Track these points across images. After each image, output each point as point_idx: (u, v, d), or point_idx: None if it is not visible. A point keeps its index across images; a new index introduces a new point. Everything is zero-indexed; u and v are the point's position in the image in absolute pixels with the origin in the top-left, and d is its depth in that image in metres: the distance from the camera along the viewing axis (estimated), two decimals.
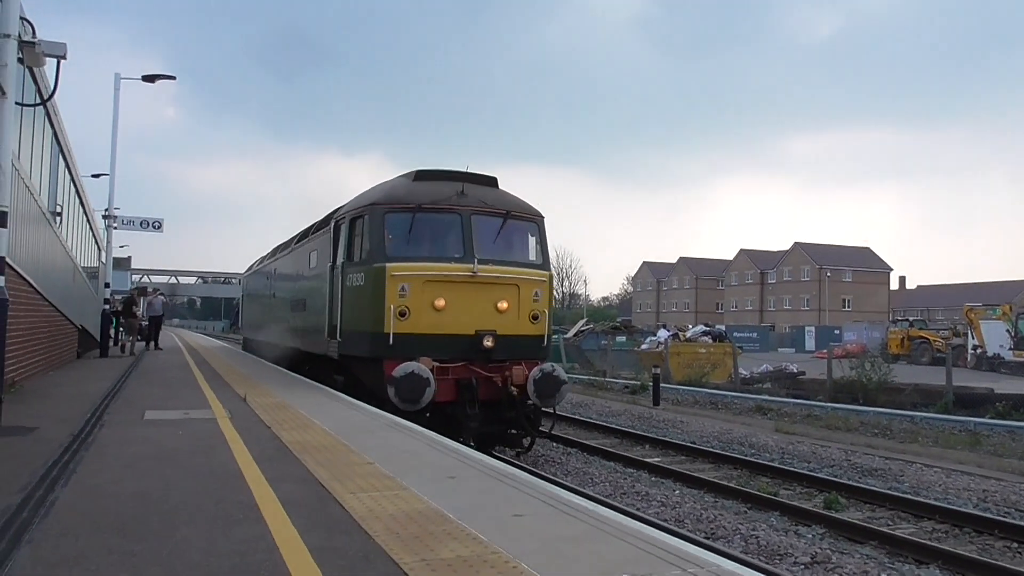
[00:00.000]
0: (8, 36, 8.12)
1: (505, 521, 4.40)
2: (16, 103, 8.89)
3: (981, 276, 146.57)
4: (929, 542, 8.10)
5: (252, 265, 27.78)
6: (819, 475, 11.36)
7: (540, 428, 11.68)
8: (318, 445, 6.85)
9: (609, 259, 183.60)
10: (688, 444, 14.07)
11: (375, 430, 7.90)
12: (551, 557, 3.76)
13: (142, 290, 33.82)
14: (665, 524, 8.07)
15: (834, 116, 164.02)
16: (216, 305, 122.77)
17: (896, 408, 19.36)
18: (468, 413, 10.39)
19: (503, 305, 10.79)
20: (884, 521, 9.14)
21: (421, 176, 11.64)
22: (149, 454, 6.38)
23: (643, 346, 33.97)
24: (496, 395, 10.75)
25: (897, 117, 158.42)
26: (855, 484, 10.81)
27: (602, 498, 9.05)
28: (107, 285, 24.25)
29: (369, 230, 11.04)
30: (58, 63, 9.46)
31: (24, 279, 11.91)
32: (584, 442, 13.99)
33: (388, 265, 10.50)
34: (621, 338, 37.99)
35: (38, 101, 11.85)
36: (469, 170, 11.72)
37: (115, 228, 24.58)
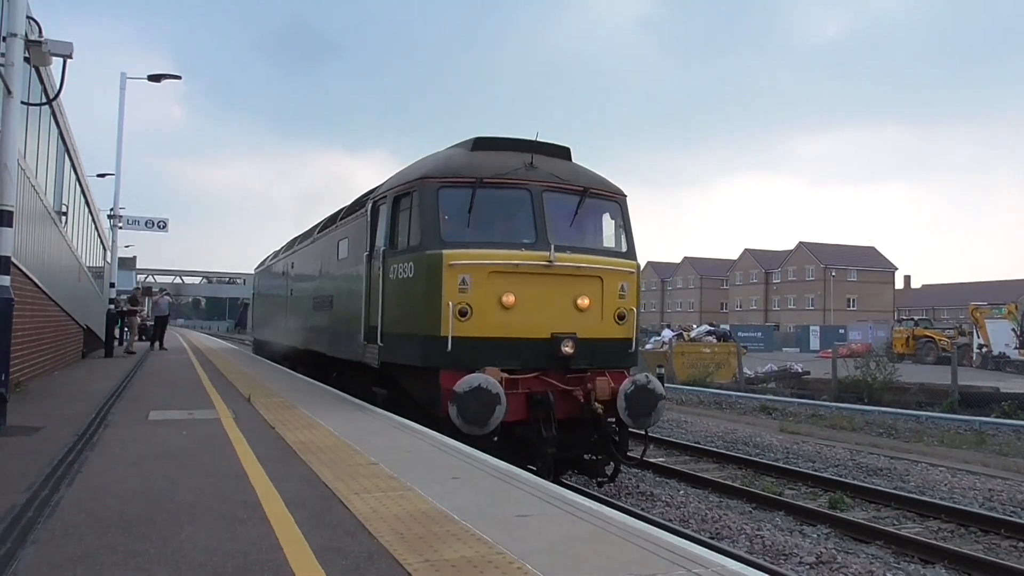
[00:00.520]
0: (15, 35, 8.13)
1: (509, 522, 4.40)
2: (22, 102, 8.90)
3: (986, 275, 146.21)
4: (935, 541, 8.08)
5: (265, 260, 25.32)
6: (824, 475, 11.35)
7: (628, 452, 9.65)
8: (322, 445, 6.84)
9: None
10: (692, 444, 14.06)
11: (379, 430, 7.90)
12: (556, 558, 3.75)
13: (147, 290, 33.91)
14: (671, 524, 8.07)
15: (840, 115, 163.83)
16: (221, 305, 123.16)
17: (901, 407, 19.34)
18: (543, 436, 8.52)
19: (584, 302, 9.01)
20: (889, 521, 9.12)
21: (481, 144, 9.79)
22: (153, 454, 6.39)
23: (647, 346, 33.94)
24: (576, 413, 8.85)
25: (903, 116, 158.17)
26: (860, 484, 10.79)
27: (607, 498, 9.05)
28: (112, 285, 24.28)
29: (419, 210, 9.16)
30: (64, 62, 9.46)
31: (29, 279, 11.94)
32: None
33: (445, 252, 8.63)
34: None
35: (44, 100, 11.87)
36: (538, 138, 9.78)
37: (120, 228, 24.63)
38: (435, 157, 10.10)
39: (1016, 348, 36.48)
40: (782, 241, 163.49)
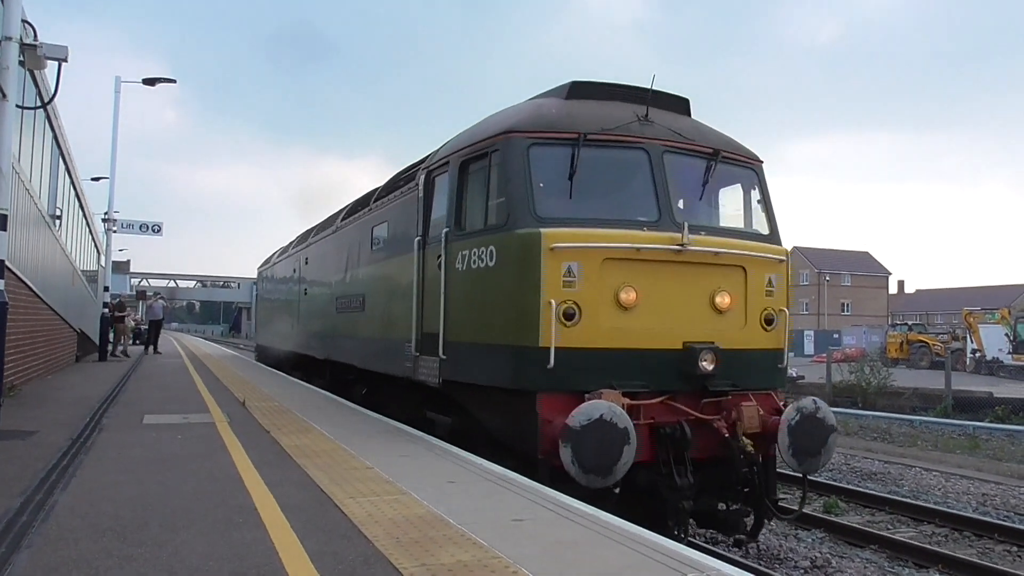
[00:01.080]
0: (10, 38, 8.14)
1: (505, 526, 4.40)
2: (17, 106, 8.89)
3: (980, 280, 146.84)
4: (929, 546, 8.12)
5: (270, 258, 22.92)
6: (818, 479, 11.37)
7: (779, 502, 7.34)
8: (317, 450, 6.84)
9: None
10: None
11: (375, 435, 7.89)
12: (551, 562, 3.76)
13: (141, 294, 33.83)
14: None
15: (833, 120, 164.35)
16: (215, 309, 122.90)
17: (895, 412, 19.40)
18: (676, 483, 6.39)
19: (724, 300, 6.85)
20: (884, 525, 9.15)
21: (578, 91, 7.57)
22: (148, 458, 6.38)
23: None
24: (715, 450, 6.65)
25: (897, 121, 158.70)
26: (855, 488, 10.82)
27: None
28: (106, 289, 24.22)
29: (503, 175, 6.94)
30: (59, 66, 9.47)
31: (23, 282, 11.91)
32: None
33: (544, 232, 6.39)
34: None
35: (39, 104, 11.86)
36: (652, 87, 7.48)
37: (114, 232, 24.55)
38: (518, 108, 7.72)
39: (1009, 353, 36.62)
40: None
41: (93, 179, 31.08)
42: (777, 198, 7.93)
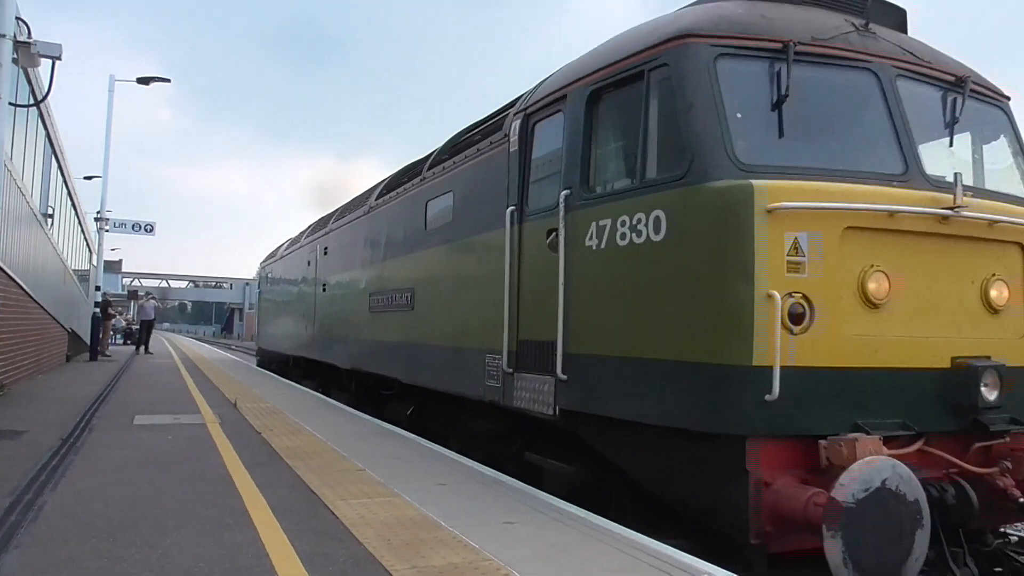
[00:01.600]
0: (3, 36, 8.12)
1: (496, 528, 4.40)
2: (10, 103, 8.86)
3: None
4: None
5: (276, 251, 20.65)
6: None
7: None
8: (309, 451, 6.82)
9: None
10: None
11: (366, 436, 7.88)
12: (543, 564, 3.76)
13: (133, 293, 33.75)
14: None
15: None
16: (207, 310, 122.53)
17: None
18: (954, 571, 4.42)
19: (1001, 294, 4.94)
20: None
21: None
22: (139, 459, 6.35)
23: None
24: (1000, 518, 4.88)
25: None
26: None
27: None
28: (98, 288, 24.12)
29: (674, 101, 4.82)
30: (53, 64, 9.46)
31: (14, 281, 11.86)
32: None
33: (756, 185, 4.38)
34: None
35: (32, 102, 11.82)
36: None
37: (107, 231, 24.47)
38: (682, 12, 5.37)
39: None
40: None
41: (86, 178, 30.89)
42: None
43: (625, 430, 5.04)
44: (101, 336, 25.38)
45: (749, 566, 4.25)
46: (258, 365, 21.61)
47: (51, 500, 4.87)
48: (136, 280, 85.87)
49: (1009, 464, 4.51)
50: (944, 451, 4.55)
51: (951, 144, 5.34)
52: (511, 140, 6.56)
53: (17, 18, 8.49)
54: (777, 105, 4.72)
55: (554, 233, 5.64)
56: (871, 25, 5.25)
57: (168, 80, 22.99)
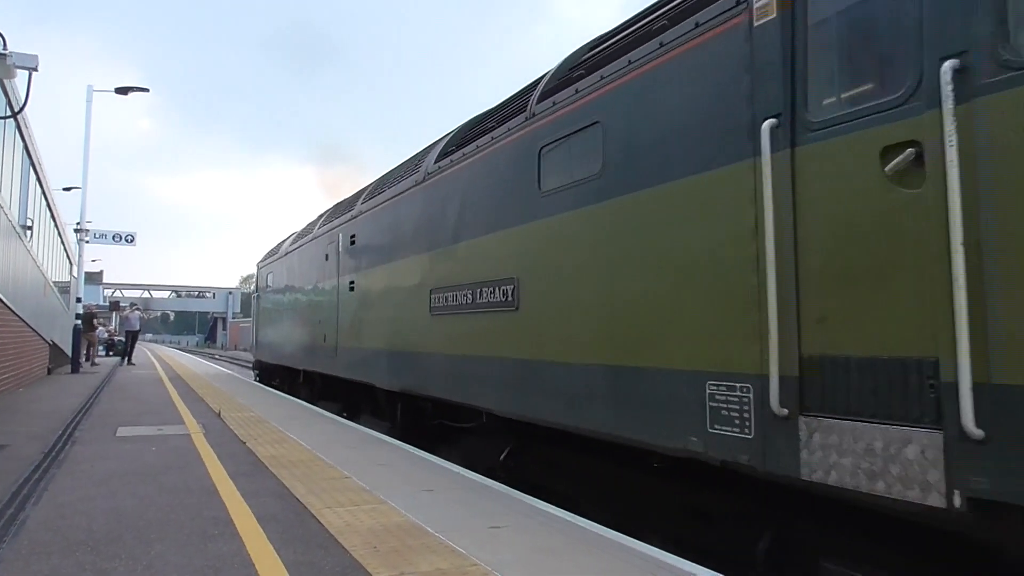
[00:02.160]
0: None
1: (483, 533, 4.40)
2: None
3: None
4: None
5: (278, 247, 18.13)
6: None
7: None
8: (294, 459, 6.80)
9: None
10: None
11: (352, 444, 7.85)
12: (530, 569, 3.76)
13: (115, 304, 33.52)
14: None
15: None
16: (190, 320, 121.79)
17: None
18: None
19: None
20: None
21: None
22: (122, 471, 6.30)
23: None
24: None
25: None
26: None
27: None
28: (79, 300, 23.92)
29: None
30: (29, 75, 9.38)
31: None
32: None
33: None
34: None
35: (8, 114, 11.72)
36: None
37: (87, 242, 24.27)
38: None
39: None
40: None
41: (65, 189, 30.70)
42: None
43: None
44: (88, 347, 25.28)
45: (735, 567, 4.29)
46: (258, 380, 19.34)
47: (34, 514, 4.82)
48: (118, 291, 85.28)
49: None
50: None
51: None
52: (757, 6, 4.05)
53: None
54: None
55: (905, 151, 3.25)
56: None
57: (147, 90, 22.85)
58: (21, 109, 11.76)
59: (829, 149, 3.59)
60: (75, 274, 26.51)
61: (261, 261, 20.29)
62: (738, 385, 3.98)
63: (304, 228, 15.75)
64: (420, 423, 8.84)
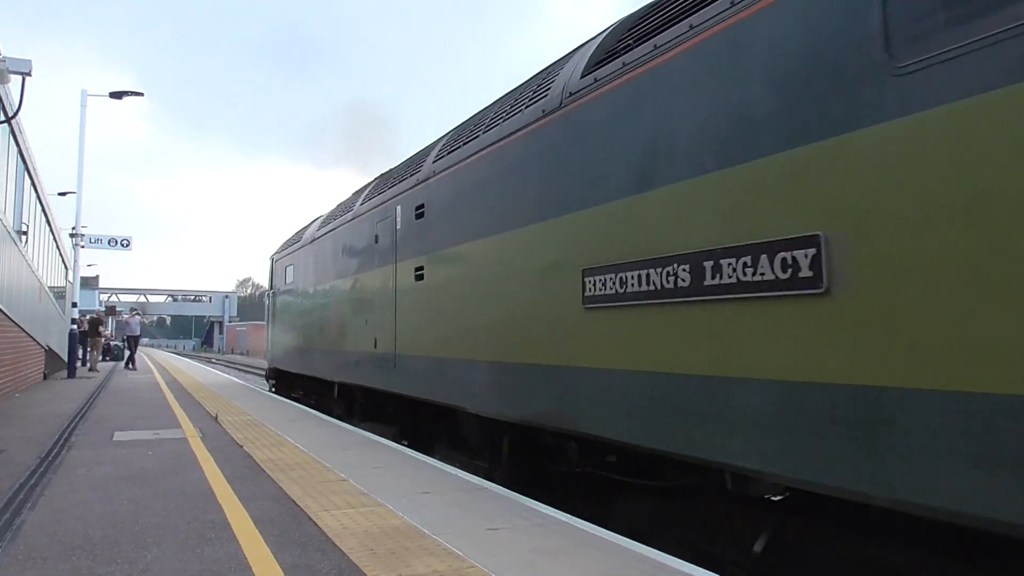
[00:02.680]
0: None
1: (481, 535, 4.39)
2: None
3: None
4: None
5: (303, 233, 15.10)
6: None
7: None
8: (291, 463, 6.79)
9: None
10: None
11: (349, 446, 7.84)
12: (527, 571, 3.75)
13: (110, 309, 33.51)
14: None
15: None
16: (187, 324, 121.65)
17: None
18: None
19: None
20: None
21: None
22: (118, 475, 6.29)
23: None
24: None
25: None
26: None
27: None
28: (74, 305, 23.88)
29: None
30: (23, 80, 9.37)
31: None
32: None
33: None
34: None
35: (2, 119, 11.69)
36: None
37: (82, 247, 24.23)
38: None
39: None
40: None
41: (60, 194, 30.62)
42: None
43: None
44: (91, 352, 25.28)
45: (734, 570, 4.29)
46: (273, 391, 16.99)
47: (30, 519, 4.80)
48: (114, 295, 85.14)
49: None
50: None
51: None
52: None
53: None
54: None
55: None
56: None
57: (141, 94, 22.84)
58: (15, 114, 11.74)
59: None
60: (71, 279, 26.47)
61: (277, 253, 17.41)
62: None
63: (336, 208, 12.86)
64: (543, 467, 6.42)
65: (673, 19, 4.65)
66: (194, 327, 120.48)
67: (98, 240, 26.37)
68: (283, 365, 16.06)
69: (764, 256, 3.78)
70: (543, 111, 6.02)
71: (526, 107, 6.40)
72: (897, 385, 3.11)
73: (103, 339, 25.42)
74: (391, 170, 10.61)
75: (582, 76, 5.58)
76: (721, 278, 4.05)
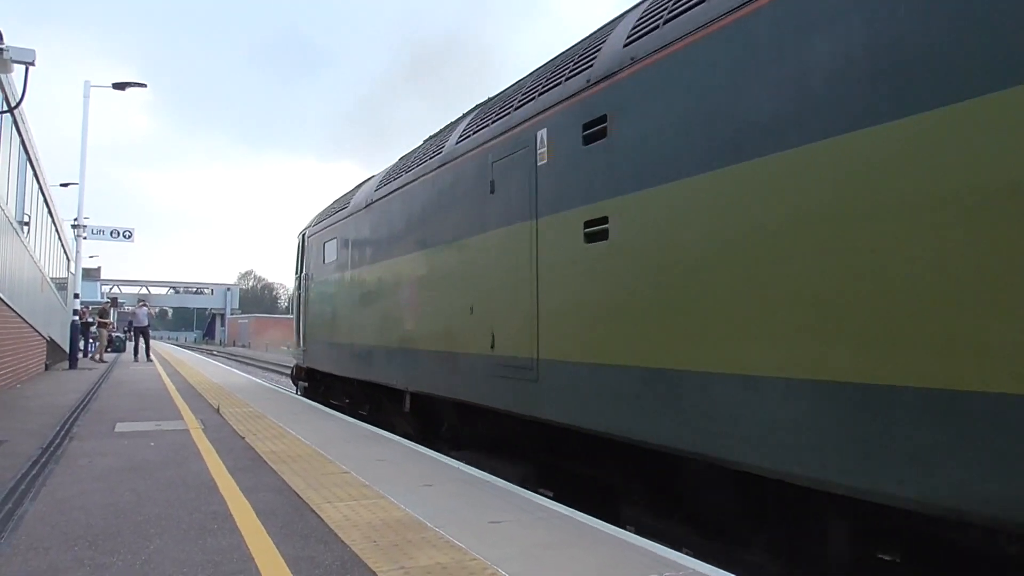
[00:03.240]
0: None
1: (483, 528, 4.39)
2: None
3: None
4: None
5: (354, 193, 12.11)
6: None
7: None
8: (293, 455, 6.79)
9: None
10: None
11: (351, 439, 7.84)
12: (529, 563, 3.75)
13: (113, 300, 33.54)
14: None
15: None
16: (188, 316, 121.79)
17: None
18: None
19: None
20: None
21: None
22: (120, 466, 6.29)
23: None
24: None
25: None
26: None
27: None
28: (76, 296, 23.90)
29: None
30: (26, 70, 9.35)
31: None
32: None
33: None
34: None
35: (5, 109, 11.68)
36: None
37: (84, 238, 24.25)
38: None
39: None
40: None
41: (62, 185, 30.64)
42: None
43: None
44: (96, 343, 25.34)
45: (735, 561, 4.29)
46: (302, 394, 14.64)
47: (32, 509, 4.81)
48: (115, 287, 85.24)
49: None
50: None
51: None
52: None
53: None
54: None
55: None
56: None
57: (144, 85, 22.85)
58: (18, 104, 11.71)
59: None
60: (73, 270, 26.49)
61: (310, 228, 14.41)
62: None
63: (406, 159, 9.98)
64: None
65: None
66: (195, 319, 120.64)
67: (100, 231, 26.41)
68: (321, 365, 13.10)
69: None
70: None
71: None
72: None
73: (107, 330, 25.49)
74: (518, 83, 7.46)
75: None
76: None
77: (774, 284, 3.85)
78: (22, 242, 16.12)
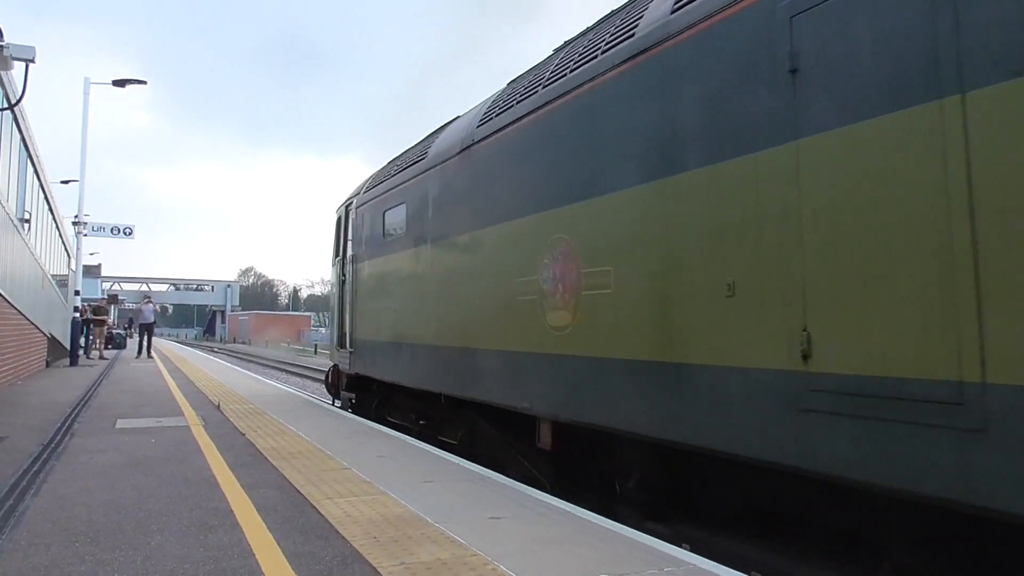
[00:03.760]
0: None
1: (483, 524, 4.40)
2: None
3: None
4: None
5: (428, 148, 8.84)
6: None
7: None
8: (294, 451, 6.80)
9: None
10: None
11: (351, 435, 7.85)
12: (529, 559, 3.76)
13: (113, 297, 33.56)
14: None
15: None
16: (189, 312, 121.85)
17: None
18: None
19: None
20: None
21: None
22: (121, 462, 6.30)
23: None
24: None
25: None
26: None
27: None
28: (77, 293, 23.91)
29: None
30: (27, 67, 9.35)
31: None
32: None
33: None
34: None
35: (5, 106, 11.68)
36: None
37: (85, 235, 24.26)
38: None
39: None
40: None
41: (63, 182, 30.64)
42: None
43: None
44: (95, 340, 25.33)
45: (734, 558, 4.30)
46: (345, 408, 11.72)
47: (33, 505, 4.82)
48: (116, 284, 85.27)
49: None
50: None
51: None
52: None
53: None
54: None
55: None
56: None
57: (144, 82, 22.82)
58: (18, 101, 11.72)
59: None
60: (73, 267, 26.51)
61: (359, 195, 11.58)
62: None
63: (516, 84, 7.30)
64: None
65: None
66: (196, 316, 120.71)
67: (101, 228, 26.45)
68: (380, 372, 10.10)
69: None
70: None
71: None
72: None
73: (106, 327, 25.51)
74: None
75: None
76: None
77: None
78: (23, 239, 16.13)
